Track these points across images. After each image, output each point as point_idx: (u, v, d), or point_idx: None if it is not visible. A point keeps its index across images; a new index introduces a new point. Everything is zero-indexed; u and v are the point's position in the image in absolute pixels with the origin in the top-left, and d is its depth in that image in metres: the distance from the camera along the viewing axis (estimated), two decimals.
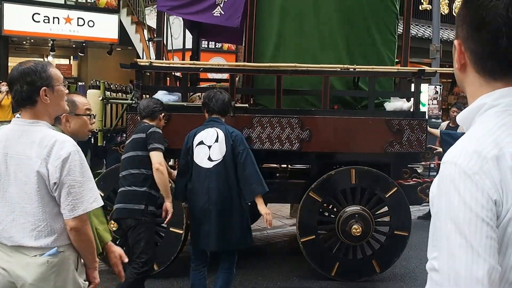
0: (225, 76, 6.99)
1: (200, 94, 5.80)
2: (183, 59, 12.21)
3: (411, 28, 5.81)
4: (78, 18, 15.33)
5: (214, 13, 5.47)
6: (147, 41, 5.65)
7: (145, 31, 5.77)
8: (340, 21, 5.60)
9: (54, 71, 2.39)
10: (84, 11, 15.29)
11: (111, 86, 5.85)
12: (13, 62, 18.74)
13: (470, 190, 1.05)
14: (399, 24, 5.92)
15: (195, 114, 5.30)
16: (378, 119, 5.28)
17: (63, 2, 15.08)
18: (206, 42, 12.47)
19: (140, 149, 4.17)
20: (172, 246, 5.26)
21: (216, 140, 4.19)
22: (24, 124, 2.33)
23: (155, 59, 5.85)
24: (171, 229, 5.23)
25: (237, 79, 6.33)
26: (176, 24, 12.44)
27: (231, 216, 4.20)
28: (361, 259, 5.44)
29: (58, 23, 15.08)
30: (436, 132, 7.48)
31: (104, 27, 15.52)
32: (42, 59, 18.10)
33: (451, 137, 6.87)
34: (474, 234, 1.03)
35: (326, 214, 5.81)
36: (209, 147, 4.19)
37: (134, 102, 5.28)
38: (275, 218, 7.37)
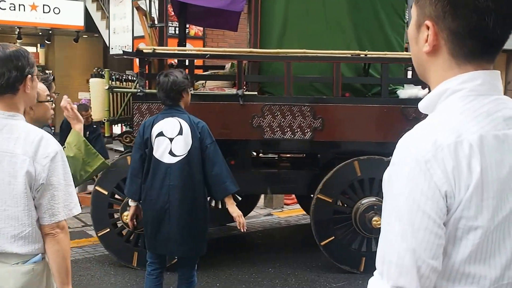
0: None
1: (204, 82, 5.56)
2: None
3: None
4: (43, 5, 14.90)
5: None
6: (148, 27, 5.30)
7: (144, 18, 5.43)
8: (348, 4, 5.44)
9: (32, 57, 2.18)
10: None
11: (112, 74, 5.52)
12: None
13: (417, 179, 1.01)
14: (408, 7, 5.81)
15: (200, 102, 5.08)
16: (393, 107, 5.16)
17: None
18: (173, 28, 12.15)
19: None
20: None
21: (180, 132, 3.69)
22: (3, 116, 2.06)
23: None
24: None
25: (227, 66, 6.13)
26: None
27: (194, 218, 3.76)
28: None
29: (24, 10, 14.60)
30: None
31: (69, 14, 15.18)
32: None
33: None
34: (411, 225, 1.00)
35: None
36: (171, 139, 3.69)
37: (139, 90, 4.99)
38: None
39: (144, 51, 5.07)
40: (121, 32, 13.78)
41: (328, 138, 5.23)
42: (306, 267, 5.49)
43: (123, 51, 5.30)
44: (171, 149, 3.70)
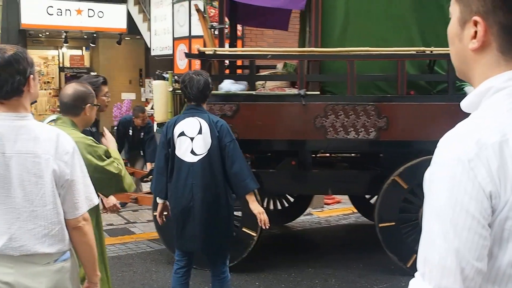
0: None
1: (263, 82, 5.51)
2: (190, 46, 12.10)
3: None
4: (88, 9, 15.32)
5: None
6: (209, 29, 5.27)
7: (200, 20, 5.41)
8: (411, 0, 5.29)
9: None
10: (93, 2, 15.26)
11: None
12: (31, 55, 18.52)
13: (460, 179, 0.97)
14: None
15: (264, 103, 5.03)
16: None
17: None
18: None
19: None
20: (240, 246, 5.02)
21: (200, 132, 3.71)
22: (15, 118, 2.06)
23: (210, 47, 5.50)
24: (243, 229, 5.01)
25: (279, 65, 6.05)
26: (181, 12, 12.16)
27: (218, 216, 3.78)
28: None
29: (70, 15, 15.01)
30: None
31: (113, 17, 15.55)
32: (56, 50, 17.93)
33: None
34: (454, 226, 0.97)
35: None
36: (192, 139, 3.72)
37: None
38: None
39: (206, 52, 5.04)
40: (162, 33, 13.95)
41: (394, 138, 5.09)
42: (346, 268, 5.40)
43: (185, 53, 5.38)
44: (192, 148, 3.73)
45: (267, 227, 3.85)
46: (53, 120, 2.87)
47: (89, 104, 2.81)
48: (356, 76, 5.06)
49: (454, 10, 1.12)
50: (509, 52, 1.06)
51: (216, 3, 11.07)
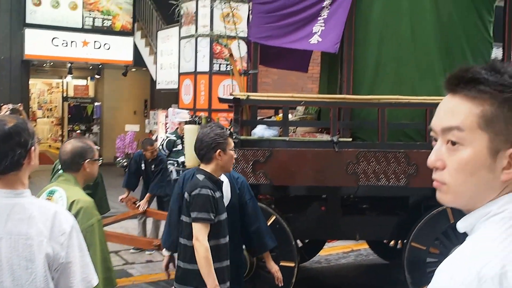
0: None
1: (294, 128, 5.58)
2: (195, 82, 12.21)
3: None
4: (94, 41, 15.38)
5: (311, 41, 5.26)
6: (241, 74, 5.36)
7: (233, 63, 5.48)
8: (438, 49, 5.43)
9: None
10: (100, 34, 15.33)
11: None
12: (33, 82, 18.53)
13: None
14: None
15: (297, 149, 5.09)
16: None
17: (80, 27, 15.04)
18: (217, 66, 12.33)
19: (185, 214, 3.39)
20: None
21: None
22: (10, 195, 1.90)
23: (239, 91, 5.58)
24: (281, 263, 5.00)
25: (300, 107, 6.13)
26: (188, 47, 12.32)
27: (233, 271, 3.62)
28: None
29: (76, 47, 15.05)
30: None
31: (119, 49, 15.67)
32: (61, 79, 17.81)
33: None
34: None
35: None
36: None
37: (234, 137, 5.02)
38: None
39: (240, 97, 5.11)
40: (168, 68, 14.09)
41: (423, 185, 5.14)
42: None
43: (218, 98, 5.34)
44: None
45: (281, 284, 3.96)
46: (51, 192, 2.72)
47: (88, 160, 2.83)
48: (387, 124, 5.15)
49: (477, 139, 1.06)
50: None
51: (224, 40, 11.27)
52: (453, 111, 1.09)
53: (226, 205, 3.55)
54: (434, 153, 1.13)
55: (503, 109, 1.04)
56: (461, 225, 1.12)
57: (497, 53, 6.10)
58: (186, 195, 3.35)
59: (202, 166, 3.45)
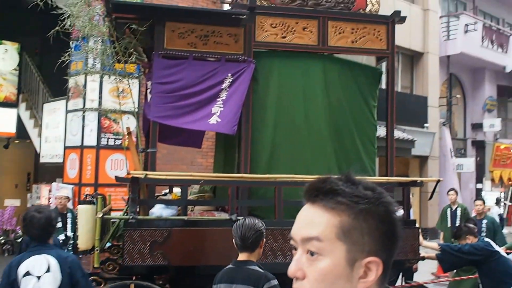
0: None
1: (192, 207, 5.56)
2: (81, 156, 11.86)
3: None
4: None
5: (210, 121, 5.39)
6: (138, 152, 5.30)
7: (128, 140, 5.44)
8: (329, 131, 5.80)
9: None
10: None
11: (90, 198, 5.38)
12: None
13: None
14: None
15: (197, 228, 5.05)
16: None
17: None
18: (105, 140, 12.16)
19: None
20: None
21: (48, 270, 3.49)
22: None
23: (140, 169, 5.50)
24: None
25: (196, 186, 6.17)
26: (74, 121, 12.07)
27: None
28: None
29: None
30: (433, 245, 6.03)
31: (1, 120, 14.94)
32: None
33: (450, 249, 5.47)
34: None
35: None
36: (38, 277, 3.47)
37: (131, 217, 4.88)
38: None
39: (137, 176, 5.03)
40: (53, 141, 13.58)
41: None
42: None
43: (115, 176, 5.18)
44: None
45: None
46: None
47: None
48: (284, 202, 5.31)
49: (336, 249, 1.08)
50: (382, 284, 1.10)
51: (112, 115, 11.13)
52: (313, 221, 1.10)
53: (57, 286, 3.48)
54: (294, 262, 1.12)
55: (359, 220, 1.08)
56: None
57: (379, 131, 6.59)
58: None
59: (245, 256, 3.54)
